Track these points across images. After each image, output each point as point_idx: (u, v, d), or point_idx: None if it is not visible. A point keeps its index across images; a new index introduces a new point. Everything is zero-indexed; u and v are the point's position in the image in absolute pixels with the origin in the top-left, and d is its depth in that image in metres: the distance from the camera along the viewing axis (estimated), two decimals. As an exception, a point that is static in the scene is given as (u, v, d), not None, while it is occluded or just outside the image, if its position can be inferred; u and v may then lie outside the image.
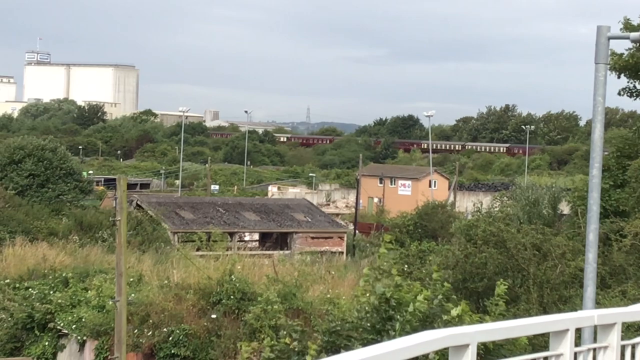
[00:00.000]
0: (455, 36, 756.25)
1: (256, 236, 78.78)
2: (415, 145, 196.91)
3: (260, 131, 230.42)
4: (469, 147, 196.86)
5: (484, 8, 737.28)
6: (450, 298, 13.99)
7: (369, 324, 13.92)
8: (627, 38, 15.79)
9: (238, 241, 72.26)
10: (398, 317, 13.59)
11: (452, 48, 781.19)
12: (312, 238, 76.09)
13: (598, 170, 14.54)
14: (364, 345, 13.06)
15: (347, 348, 13.59)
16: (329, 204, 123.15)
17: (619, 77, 34.15)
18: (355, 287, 21.26)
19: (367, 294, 14.34)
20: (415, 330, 13.07)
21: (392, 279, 14.24)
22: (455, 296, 15.14)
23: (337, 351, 14.12)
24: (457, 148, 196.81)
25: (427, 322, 13.46)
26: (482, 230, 27.14)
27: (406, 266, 29.56)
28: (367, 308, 13.99)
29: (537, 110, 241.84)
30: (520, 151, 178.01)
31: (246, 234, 77.72)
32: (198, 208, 76.45)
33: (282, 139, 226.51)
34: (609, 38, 14.82)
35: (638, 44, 31.97)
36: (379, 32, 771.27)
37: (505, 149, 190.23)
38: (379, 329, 13.78)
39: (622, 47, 33.83)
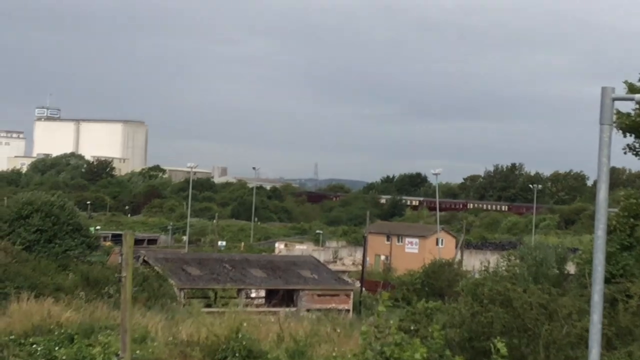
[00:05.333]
0: (467, 95, 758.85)
1: (262, 293, 78.57)
2: (422, 203, 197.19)
3: (268, 187, 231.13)
4: (473, 205, 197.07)
5: (495, 68, 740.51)
6: (445, 355, 13.84)
7: None
8: (632, 99, 15.88)
9: (244, 298, 72.06)
10: None
11: (462, 106, 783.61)
12: (319, 295, 75.89)
13: (603, 232, 14.55)
14: None
15: None
16: (335, 261, 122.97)
17: (624, 137, 34.35)
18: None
19: (365, 352, 14.23)
20: None
21: (392, 337, 14.16)
22: (453, 353, 14.97)
23: None
24: (461, 207, 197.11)
25: None
26: (488, 289, 27.09)
27: (413, 325, 29.43)
28: None
29: (545, 170, 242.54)
30: (525, 210, 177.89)
31: (252, 290, 77.54)
32: (205, 264, 76.39)
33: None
34: (614, 99, 14.92)
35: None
36: (390, 90, 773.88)
37: (507, 207, 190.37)
38: None
39: (628, 107, 34.12)
